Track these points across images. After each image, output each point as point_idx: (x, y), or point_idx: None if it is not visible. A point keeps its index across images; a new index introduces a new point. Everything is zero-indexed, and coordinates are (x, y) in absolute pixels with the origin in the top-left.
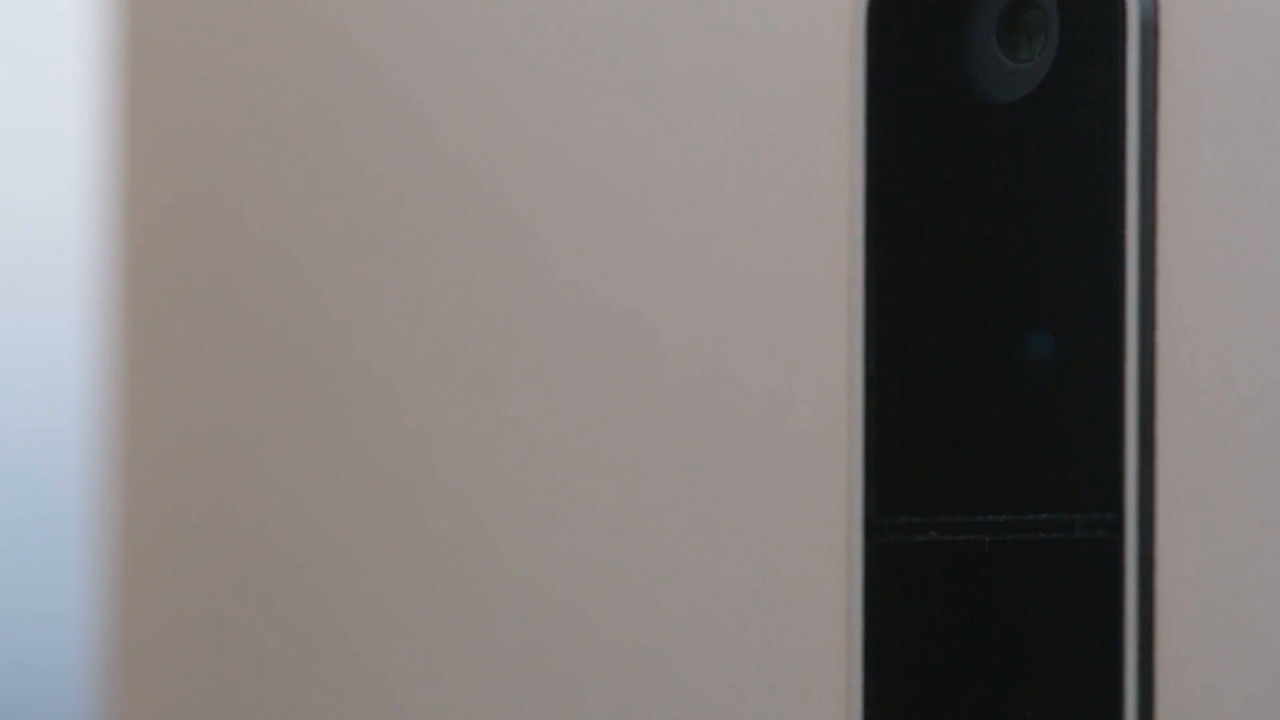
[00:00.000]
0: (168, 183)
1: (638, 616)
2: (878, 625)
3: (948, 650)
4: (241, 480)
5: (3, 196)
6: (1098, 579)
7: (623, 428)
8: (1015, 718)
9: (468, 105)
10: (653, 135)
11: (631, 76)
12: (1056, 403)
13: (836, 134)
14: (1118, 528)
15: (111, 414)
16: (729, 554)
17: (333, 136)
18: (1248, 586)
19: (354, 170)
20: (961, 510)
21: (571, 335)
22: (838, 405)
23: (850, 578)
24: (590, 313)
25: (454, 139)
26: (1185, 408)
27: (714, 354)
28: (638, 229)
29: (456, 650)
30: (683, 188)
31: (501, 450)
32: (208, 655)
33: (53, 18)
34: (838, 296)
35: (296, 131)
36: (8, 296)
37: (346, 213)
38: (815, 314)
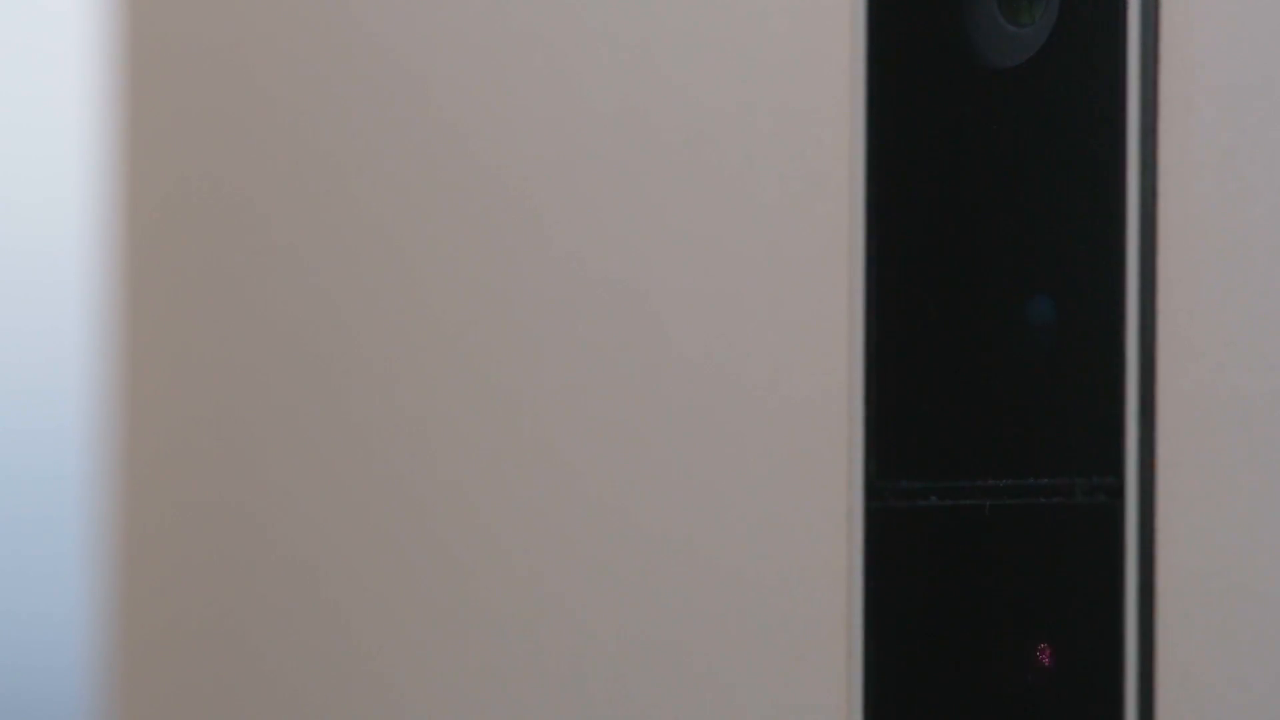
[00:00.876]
0: (168, 181)
1: (637, 585)
2: (878, 590)
3: (948, 615)
4: (242, 479)
5: (3, 196)
6: (1098, 543)
7: (622, 395)
8: (1016, 682)
9: (467, 103)
10: (650, 103)
11: (630, 38)
12: (1057, 368)
13: (837, 99)
14: (1118, 492)
15: (112, 413)
16: (730, 521)
17: (333, 134)
18: (1248, 550)
19: (354, 167)
20: (962, 475)
21: (567, 294)
22: (838, 371)
23: (850, 543)
24: (586, 272)
25: (453, 136)
26: (1186, 372)
27: (714, 321)
28: (634, 196)
29: (453, 634)
30: (680, 150)
31: (500, 436)
32: (208, 655)
33: (53, 17)
34: (838, 262)
35: (296, 129)
36: (8, 296)
37: (347, 210)
38: (816, 280)
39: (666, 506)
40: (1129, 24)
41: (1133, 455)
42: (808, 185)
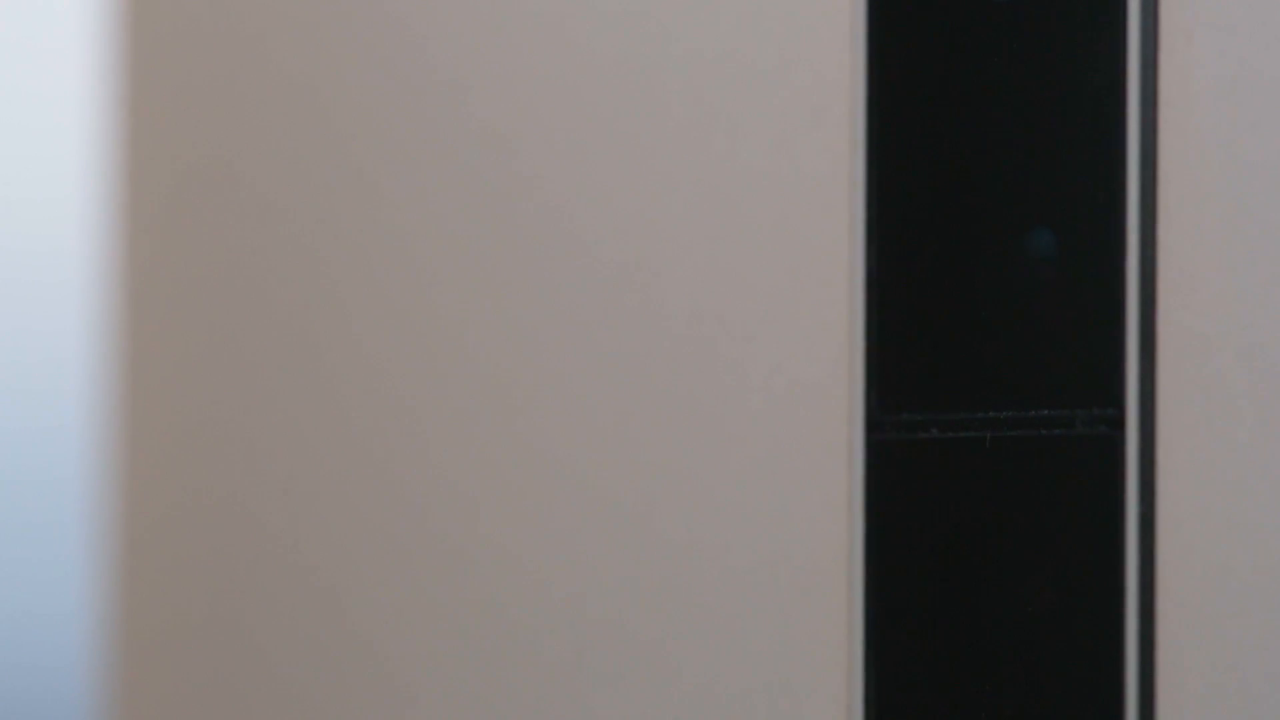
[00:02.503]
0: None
1: (635, 509)
2: (879, 523)
3: (949, 547)
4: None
5: (3, 195)
6: (1099, 475)
7: (621, 319)
8: (1017, 613)
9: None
10: (641, 38)
11: None
12: (1057, 299)
13: (837, 27)
14: (1119, 424)
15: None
16: (731, 455)
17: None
18: (1248, 479)
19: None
20: (963, 407)
21: (557, 258)
22: (839, 303)
23: (851, 476)
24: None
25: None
26: (1186, 304)
27: (713, 256)
28: (627, 130)
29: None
30: (677, 71)
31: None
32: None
33: (53, 15)
34: (839, 195)
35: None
36: (8, 295)
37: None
38: (816, 213)
39: (665, 439)
40: None
41: (1133, 387)
42: (807, 117)
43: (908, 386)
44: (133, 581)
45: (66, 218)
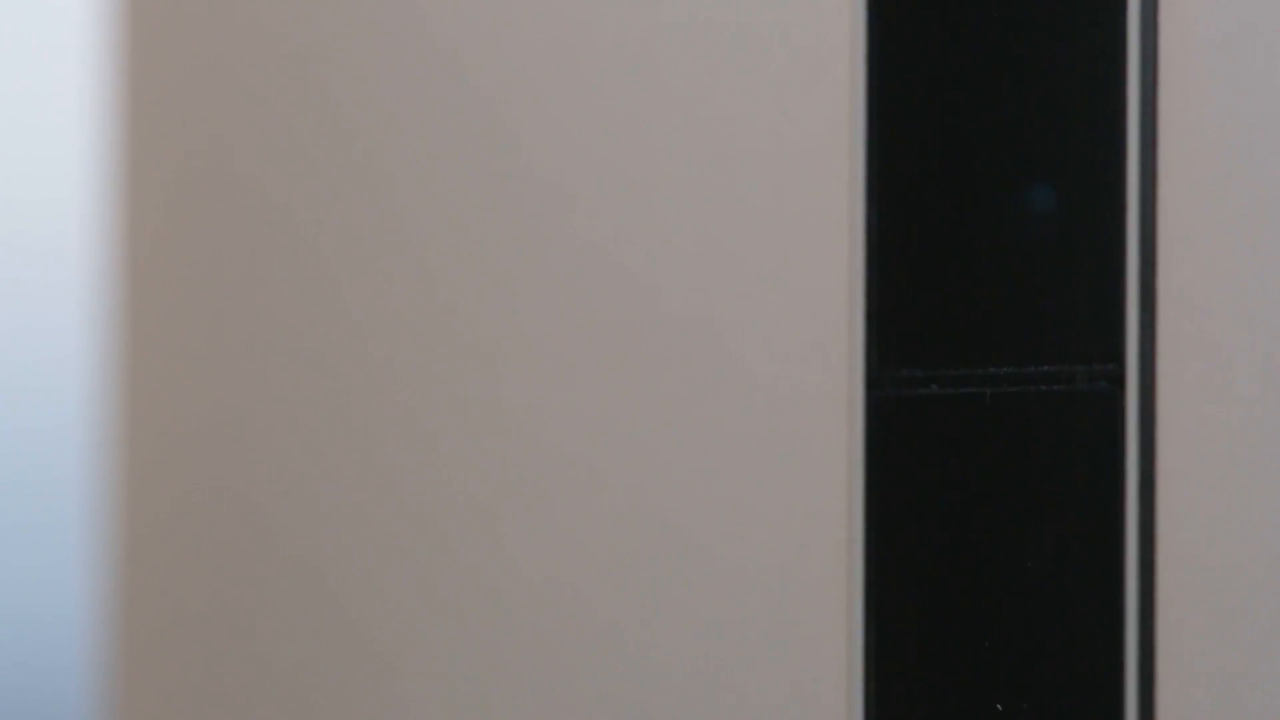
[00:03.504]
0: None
1: (635, 469)
2: (879, 479)
3: (949, 503)
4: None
5: (3, 194)
6: (1099, 431)
7: (619, 280)
8: (1017, 569)
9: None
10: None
11: None
12: (1058, 255)
13: None
14: (1119, 379)
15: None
16: (731, 412)
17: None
18: (1248, 435)
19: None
20: (962, 363)
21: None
22: (839, 260)
23: (851, 432)
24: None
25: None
26: (1187, 259)
27: (713, 212)
28: (623, 86)
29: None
30: (679, 30)
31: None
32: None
33: (54, 13)
34: (839, 150)
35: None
36: (8, 294)
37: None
38: (816, 170)
39: (665, 399)
40: None
41: (1133, 342)
42: (807, 76)
43: (908, 343)
44: (133, 581)
45: (66, 216)
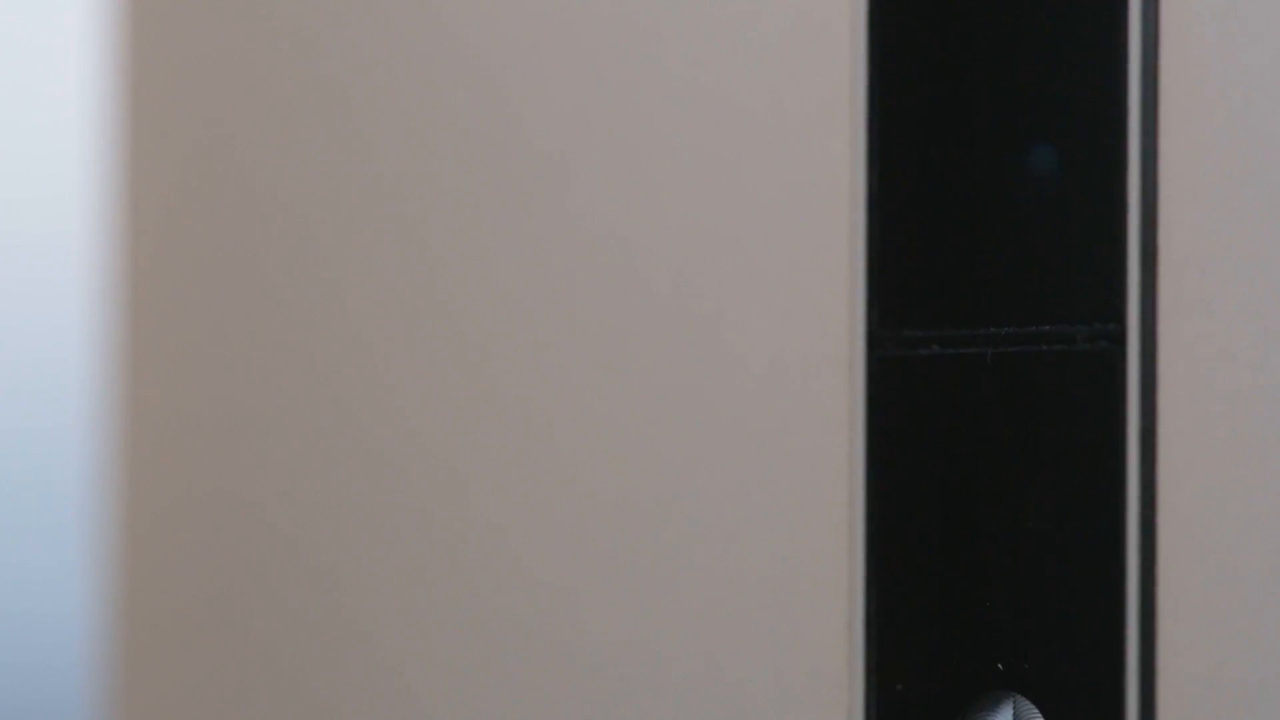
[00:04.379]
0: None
1: (636, 432)
2: (880, 439)
3: (950, 463)
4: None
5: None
6: (1100, 390)
7: (620, 231)
8: (1018, 529)
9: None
10: None
11: None
12: (1058, 214)
13: None
14: (1120, 339)
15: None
16: (730, 372)
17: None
18: (1249, 393)
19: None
20: (963, 323)
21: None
22: (840, 220)
23: (852, 393)
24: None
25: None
26: (1187, 218)
27: (714, 172)
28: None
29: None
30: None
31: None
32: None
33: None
34: (840, 111)
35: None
36: (9, 293)
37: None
38: (816, 131)
39: (666, 358)
40: None
41: (1134, 302)
42: (808, 37)
43: (908, 303)
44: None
45: (66, 216)
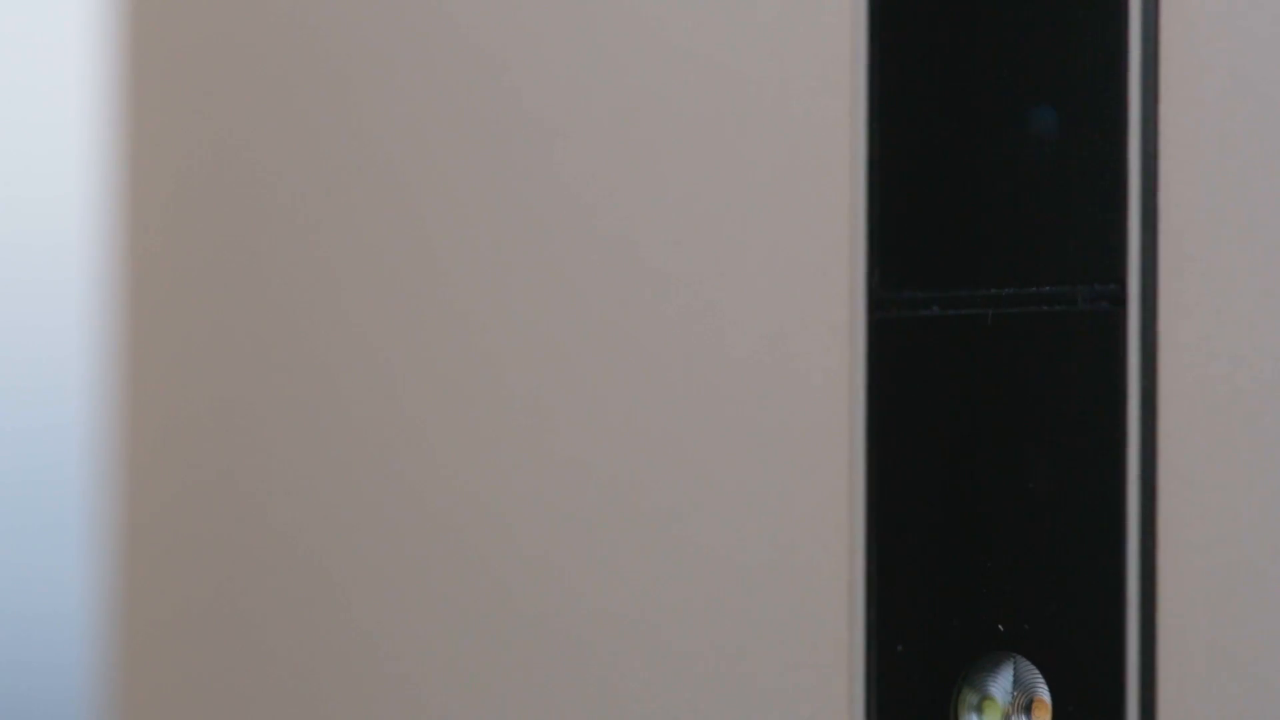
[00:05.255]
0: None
1: (636, 386)
2: (881, 401)
3: (952, 424)
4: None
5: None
6: (1101, 351)
7: (618, 205)
8: (1018, 490)
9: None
10: None
11: None
12: (1059, 176)
13: None
14: (1121, 300)
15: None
16: (732, 333)
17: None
18: (1249, 353)
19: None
20: (965, 284)
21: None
22: (841, 182)
23: (854, 354)
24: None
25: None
26: (1188, 178)
27: (716, 134)
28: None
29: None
30: None
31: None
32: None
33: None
34: (841, 73)
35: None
36: (9, 293)
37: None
38: (818, 91)
39: (666, 313)
40: None
41: (1135, 263)
42: (809, 1)
43: (910, 264)
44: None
45: (67, 216)
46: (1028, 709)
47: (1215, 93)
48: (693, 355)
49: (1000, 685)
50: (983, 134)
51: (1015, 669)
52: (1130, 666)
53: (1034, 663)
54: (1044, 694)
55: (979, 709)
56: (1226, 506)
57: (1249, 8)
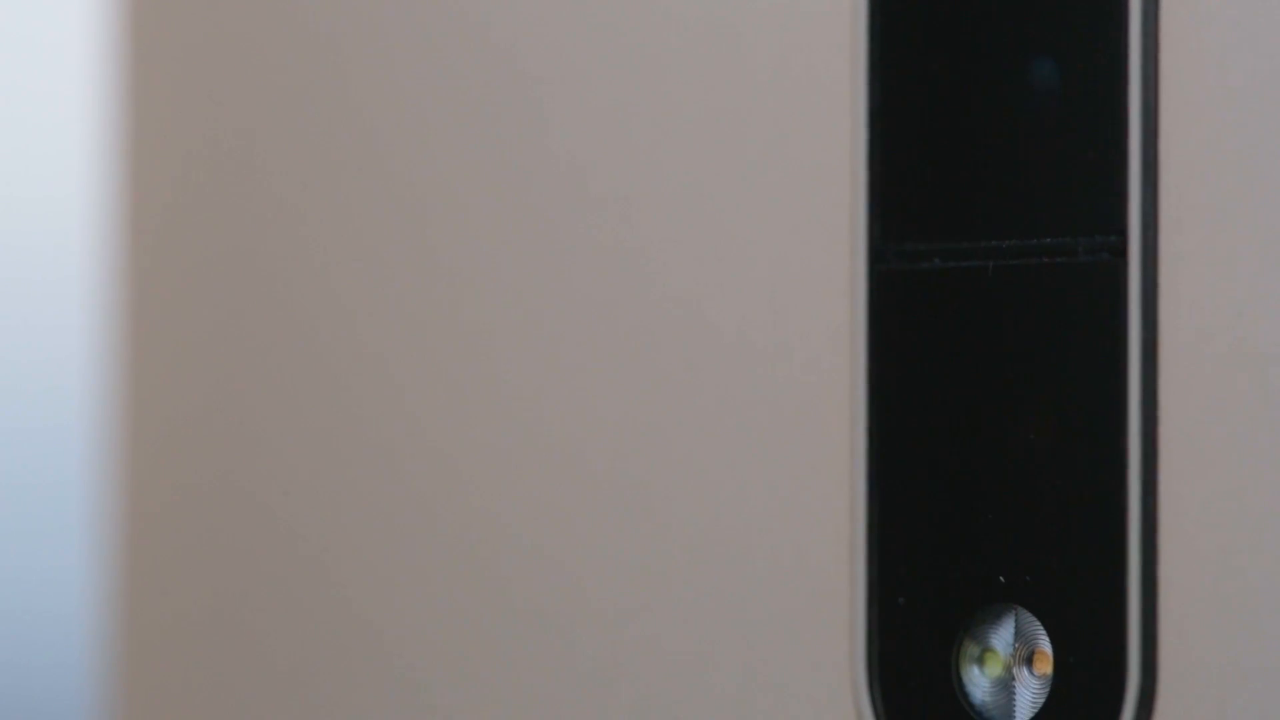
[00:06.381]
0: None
1: (636, 331)
2: (882, 353)
3: (953, 376)
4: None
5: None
6: (1101, 302)
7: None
8: (1020, 443)
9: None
10: None
11: None
12: (1060, 127)
13: None
14: (1121, 251)
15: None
16: (732, 285)
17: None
18: (1249, 304)
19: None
20: (965, 236)
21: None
22: (841, 134)
23: (854, 306)
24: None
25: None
26: (1188, 129)
27: (715, 87)
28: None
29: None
30: None
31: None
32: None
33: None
34: (841, 23)
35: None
36: (9, 293)
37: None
38: (817, 44)
39: (666, 263)
40: None
41: (1135, 214)
42: None
43: (910, 216)
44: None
45: (67, 215)
46: (1029, 660)
47: (1216, 43)
48: (693, 307)
49: (1001, 637)
50: (983, 85)
51: (1016, 621)
52: (1132, 618)
53: (1035, 614)
54: (1045, 645)
55: (980, 661)
56: (1228, 457)
57: None
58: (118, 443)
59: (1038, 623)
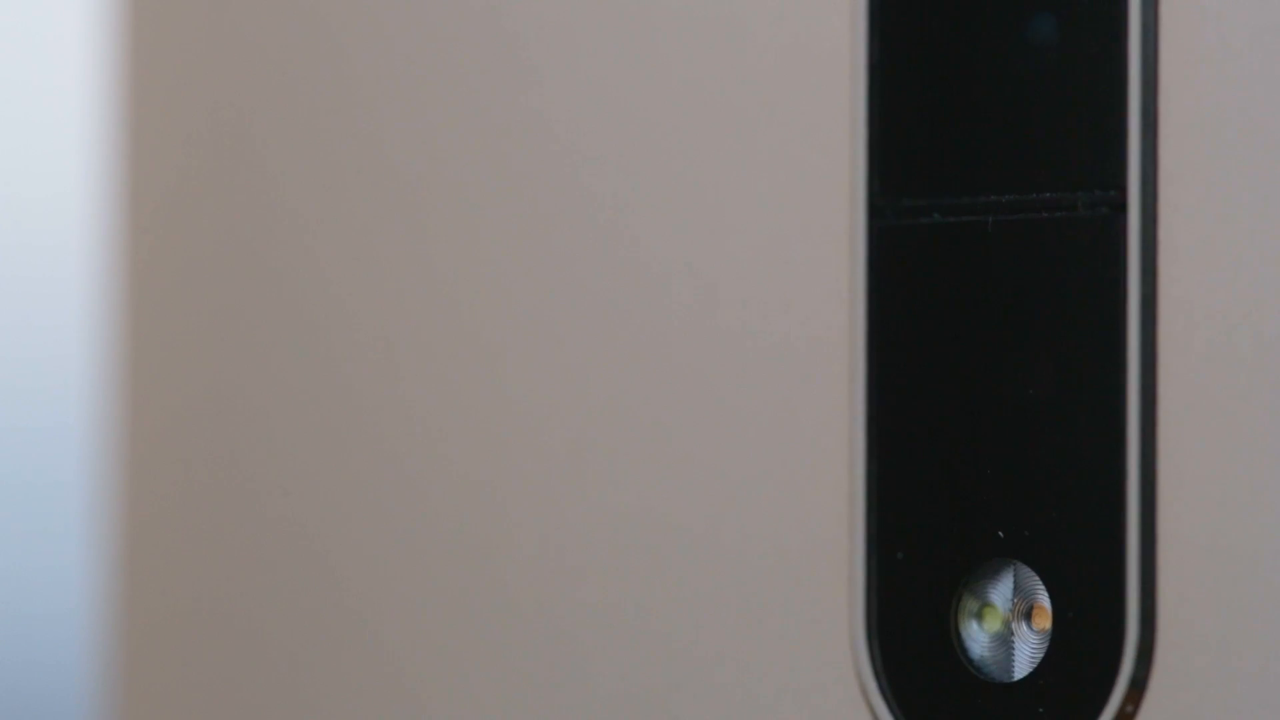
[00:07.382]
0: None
1: (635, 292)
2: (881, 309)
3: (952, 331)
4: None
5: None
6: (1101, 257)
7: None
8: (1019, 398)
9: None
10: None
11: None
12: (1059, 82)
13: None
14: (1121, 206)
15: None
16: (731, 241)
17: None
18: (1248, 259)
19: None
20: (964, 191)
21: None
22: (839, 89)
23: (854, 262)
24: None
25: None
26: (1188, 84)
27: (714, 45)
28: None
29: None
30: None
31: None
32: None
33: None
34: None
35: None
36: (9, 293)
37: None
38: (815, 1)
39: (664, 217)
40: None
41: (1135, 169)
42: None
43: (909, 171)
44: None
45: (67, 215)
46: (1028, 615)
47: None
48: (694, 266)
49: (1000, 592)
50: (983, 39)
51: (1015, 576)
52: (1130, 573)
53: (1034, 569)
54: (1044, 600)
55: (979, 616)
56: (1228, 410)
57: None
58: (117, 442)
59: (1036, 578)
